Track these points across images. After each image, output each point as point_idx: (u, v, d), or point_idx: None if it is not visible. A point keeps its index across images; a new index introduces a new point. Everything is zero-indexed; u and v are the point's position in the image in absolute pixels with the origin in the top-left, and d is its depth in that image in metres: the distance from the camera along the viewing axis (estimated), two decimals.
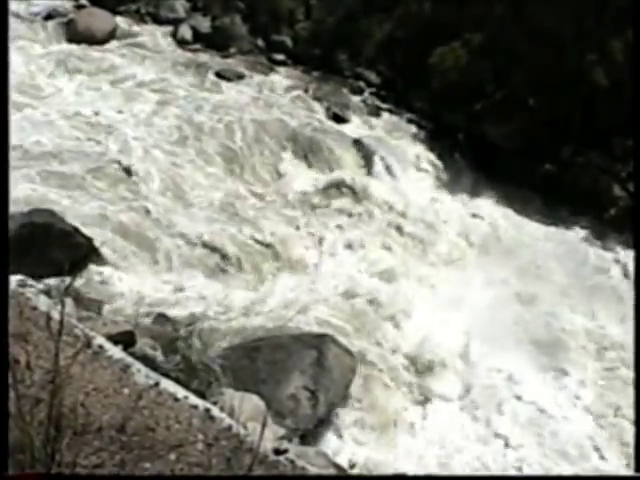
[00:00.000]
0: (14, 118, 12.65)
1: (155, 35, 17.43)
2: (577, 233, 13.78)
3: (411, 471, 8.98)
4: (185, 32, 17.43)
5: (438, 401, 10.43)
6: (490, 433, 10.06)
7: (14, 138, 12.09)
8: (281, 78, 16.38)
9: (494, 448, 9.92)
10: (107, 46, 16.56)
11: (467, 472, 9.38)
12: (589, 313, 12.11)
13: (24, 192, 11.59)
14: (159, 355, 8.99)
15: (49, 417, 2.81)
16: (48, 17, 17.00)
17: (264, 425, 3.09)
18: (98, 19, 16.94)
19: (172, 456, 3.27)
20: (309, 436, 9.03)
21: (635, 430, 9.63)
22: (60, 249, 10.28)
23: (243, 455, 3.34)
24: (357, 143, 14.63)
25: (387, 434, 9.76)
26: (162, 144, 13.62)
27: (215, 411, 3.63)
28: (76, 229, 10.79)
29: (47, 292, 4.91)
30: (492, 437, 10.04)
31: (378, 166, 14.33)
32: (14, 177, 11.69)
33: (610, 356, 11.38)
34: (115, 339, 5.20)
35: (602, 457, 9.85)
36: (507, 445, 9.97)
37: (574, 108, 14.17)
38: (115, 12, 17.59)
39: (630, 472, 9.13)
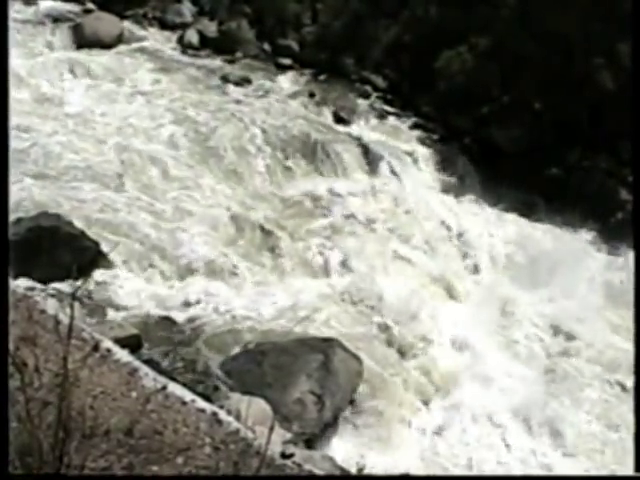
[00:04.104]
0: (16, 121, 12.66)
1: (162, 39, 17.48)
2: (583, 237, 13.73)
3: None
4: (192, 36, 17.47)
5: (445, 404, 10.42)
6: (497, 437, 10.05)
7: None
8: (287, 82, 16.40)
9: (499, 451, 9.91)
10: (114, 50, 16.60)
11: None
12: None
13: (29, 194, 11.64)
14: (165, 359, 9.00)
15: (58, 420, 2.81)
16: (55, 21, 17.03)
17: (272, 429, 3.09)
18: (105, 23, 16.97)
19: (180, 459, 3.27)
20: (315, 440, 9.01)
21: (635, 430, 9.59)
22: (67, 253, 10.29)
23: (250, 459, 3.34)
24: (363, 147, 14.63)
25: (393, 438, 9.75)
26: (168, 149, 13.64)
27: (222, 415, 3.63)
28: (83, 232, 10.79)
29: (55, 296, 4.93)
30: (498, 441, 10.03)
31: (384, 170, 14.32)
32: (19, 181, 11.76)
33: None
34: (122, 343, 5.21)
35: None
36: (508, 447, 9.97)
37: (581, 112, 14.16)
38: (122, 16, 17.62)
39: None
